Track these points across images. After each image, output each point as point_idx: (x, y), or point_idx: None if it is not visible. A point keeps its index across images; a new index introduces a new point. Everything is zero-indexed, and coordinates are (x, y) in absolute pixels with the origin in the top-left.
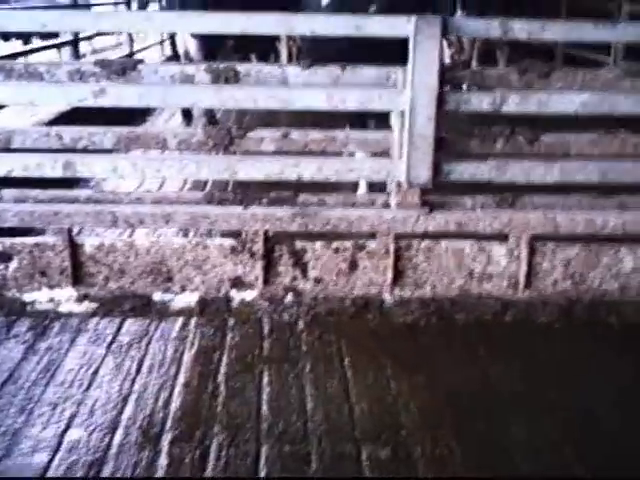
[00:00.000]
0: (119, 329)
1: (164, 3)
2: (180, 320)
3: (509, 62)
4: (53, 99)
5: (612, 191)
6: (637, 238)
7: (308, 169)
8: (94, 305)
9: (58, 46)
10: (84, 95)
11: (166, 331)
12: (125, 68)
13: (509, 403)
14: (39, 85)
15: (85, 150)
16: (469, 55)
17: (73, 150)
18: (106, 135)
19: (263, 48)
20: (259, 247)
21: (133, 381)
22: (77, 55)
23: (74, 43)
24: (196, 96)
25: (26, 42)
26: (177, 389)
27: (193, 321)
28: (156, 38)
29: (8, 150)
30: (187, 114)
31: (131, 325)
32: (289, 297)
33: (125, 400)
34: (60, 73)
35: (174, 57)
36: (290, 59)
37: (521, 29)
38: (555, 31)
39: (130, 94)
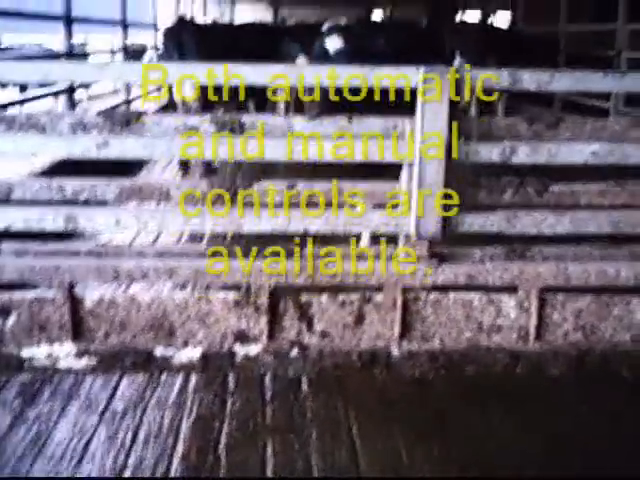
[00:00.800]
0: (114, 393)
1: (161, 51)
2: (179, 382)
3: (507, 109)
4: (56, 151)
5: (622, 241)
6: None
7: (314, 222)
8: (94, 360)
9: (55, 94)
10: (87, 147)
11: (163, 395)
12: (129, 120)
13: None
14: (42, 137)
15: (87, 202)
16: (467, 101)
17: (75, 202)
18: (108, 187)
19: (261, 95)
20: (264, 300)
21: (128, 454)
22: (73, 103)
23: (70, 91)
24: (200, 148)
25: (23, 90)
26: (175, 461)
27: (192, 384)
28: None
29: (8, 202)
30: (184, 163)
31: (127, 388)
32: (294, 351)
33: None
34: (62, 124)
35: (171, 104)
36: (288, 107)
37: (530, 80)
38: (564, 82)
39: (134, 146)
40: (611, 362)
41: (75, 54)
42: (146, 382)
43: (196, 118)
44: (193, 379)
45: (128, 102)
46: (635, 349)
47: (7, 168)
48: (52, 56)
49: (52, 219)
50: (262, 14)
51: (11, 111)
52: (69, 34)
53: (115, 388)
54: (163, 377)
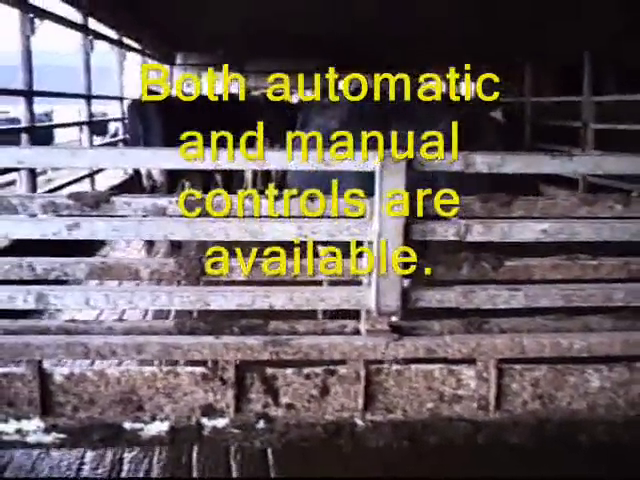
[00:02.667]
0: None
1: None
2: (147, 455)
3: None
4: (27, 233)
5: (576, 312)
6: (602, 359)
7: (279, 299)
8: (62, 436)
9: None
10: (58, 229)
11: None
12: (98, 201)
13: None
14: (14, 219)
15: (57, 281)
16: None
17: (46, 281)
18: (78, 266)
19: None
20: (230, 374)
21: None
22: (34, 182)
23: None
24: (169, 229)
25: None
26: None
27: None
28: None
29: None
30: (149, 241)
31: (93, 462)
32: (261, 423)
33: None
34: (34, 206)
35: (135, 177)
36: (255, 182)
37: (482, 163)
38: (514, 164)
39: (103, 228)
40: (569, 429)
41: (37, 126)
42: (113, 456)
43: (164, 199)
44: (161, 453)
45: (92, 174)
46: (592, 416)
47: None
48: (16, 128)
49: (23, 299)
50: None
51: None
52: (30, 106)
53: (82, 463)
54: (131, 451)
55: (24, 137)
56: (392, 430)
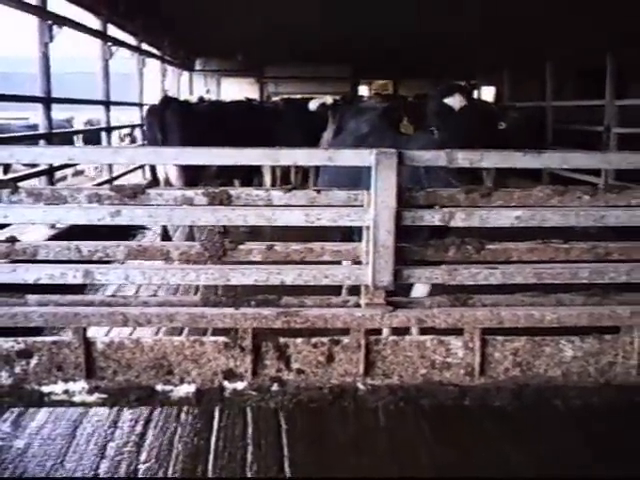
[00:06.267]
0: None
1: (145, 129)
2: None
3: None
4: (77, 219)
5: (552, 290)
6: (575, 331)
7: (289, 275)
8: (103, 396)
9: (42, 173)
10: (102, 215)
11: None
12: (136, 192)
13: None
14: (65, 207)
15: (100, 261)
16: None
17: (90, 261)
18: (118, 248)
19: (247, 174)
20: (248, 343)
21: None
22: (52, 181)
23: (51, 170)
24: (196, 215)
25: (6, 169)
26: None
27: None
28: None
29: (34, 261)
30: (165, 234)
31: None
32: (275, 386)
33: None
34: (81, 197)
35: (153, 183)
36: (274, 182)
37: (464, 158)
38: (492, 159)
39: (141, 214)
40: (546, 394)
41: (54, 133)
42: (148, 413)
43: (191, 191)
44: (188, 411)
45: (111, 180)
46: (565, 382)
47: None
48: (35, 134)
49: (72, 275)
50: (248, 90)
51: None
52: (48, 113)
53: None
54: (163, 409)
55: (41, 144)
56: (389, 393)
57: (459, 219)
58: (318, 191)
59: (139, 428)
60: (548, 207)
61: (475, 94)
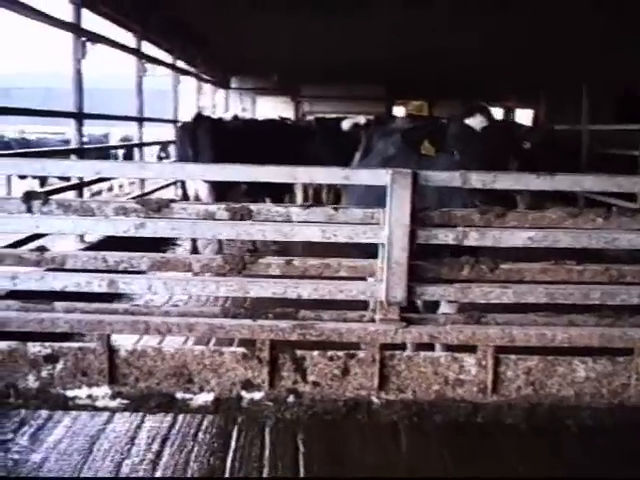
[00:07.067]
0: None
1: (177, 145)
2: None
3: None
4: (104, 230)
5: (566, 312)
6: (588, 352)
7: (306, 289)
8: (125, 401)
9: (73, 187)
10: (128, 227)
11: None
12: (160, 206)
13: None
14: (93, 219)
15: (125, 271)
16: None
17: (115, 271)
18: (142, 259)
19: (277, 192)
20: (266, 354)
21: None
22: (81, 194)
23: (82, 185)
24: (217, 229)
25: (42, 183)
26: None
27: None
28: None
29: (62, 270)
30: (194, 250)
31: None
32: (291, 398)
33: None
34: (108, 209)
35: (183, 199)
36: (306, 201)
37: (477, 180)
38: (505, 181)
39: (164, 227)
40: (558, 413)
41: (85, 148)
42: (166, 431)
43: (214, 206)
44: (206, 419)
45: (143, 195)
46: (578, 403)
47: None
48: (67, 149)
49: (98, 284)
50: (284, 108)
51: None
52: (80, 128)
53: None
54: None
55: (73, 158)
56: (403, 408)
57: (472, 238)
58: (336, 209)
59: (155, 446)
60: (560, 228)
61: (510, 116)
